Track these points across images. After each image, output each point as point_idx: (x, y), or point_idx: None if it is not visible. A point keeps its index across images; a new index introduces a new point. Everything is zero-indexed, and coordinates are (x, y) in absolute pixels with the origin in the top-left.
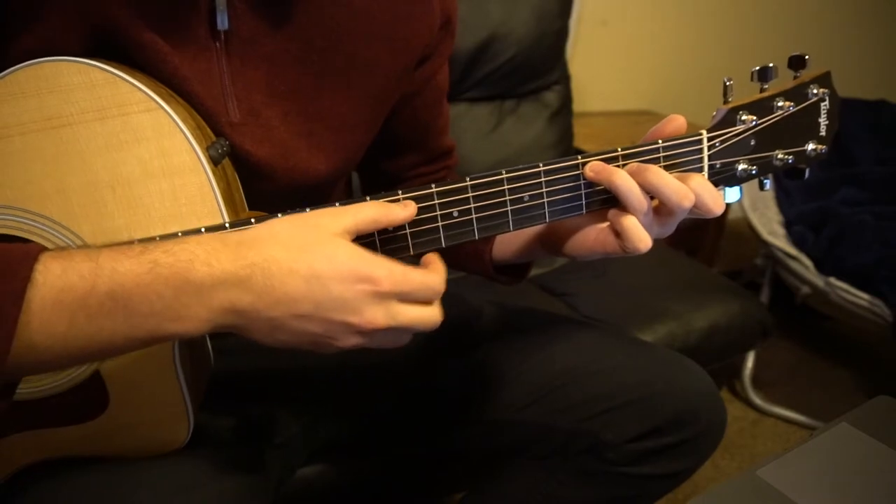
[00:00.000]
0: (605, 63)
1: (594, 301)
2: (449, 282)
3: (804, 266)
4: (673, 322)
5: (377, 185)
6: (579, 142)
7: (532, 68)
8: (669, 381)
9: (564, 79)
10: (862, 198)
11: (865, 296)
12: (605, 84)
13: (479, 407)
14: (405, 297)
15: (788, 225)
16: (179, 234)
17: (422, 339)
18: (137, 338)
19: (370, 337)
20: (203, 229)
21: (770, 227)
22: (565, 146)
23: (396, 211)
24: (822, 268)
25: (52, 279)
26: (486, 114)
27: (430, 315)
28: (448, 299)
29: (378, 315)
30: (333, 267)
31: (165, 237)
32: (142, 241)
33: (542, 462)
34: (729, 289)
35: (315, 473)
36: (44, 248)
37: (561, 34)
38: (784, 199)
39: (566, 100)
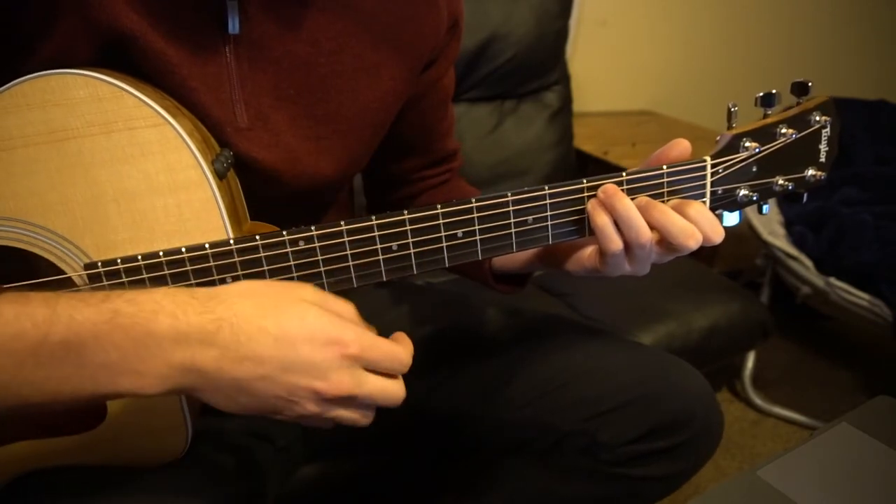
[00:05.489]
0: (605, 63)
1: (594, 301)
2: (449, 282)
3: (804, 266)
4: (673, 322)
5: (380, 188)
6: (579, 142)
7: (532, 68)
8: (665, 384)
9: (564, 79)
10: (862, 198)
11: (865, 296)
12: (604, 84)
13: (477, 406)
14: (372, 364)
15: (788, 225)
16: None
17: (422, 340)
18: (86, 390)
19: (333, 405)
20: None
21: (770, 227)
22: (565, 146)
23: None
24: (822, 268)
25: (2, 325)
26: (486, 114)
27: (395, 388)
28: (449, 299)
29: (344, 379)
30: (303, 328)
31: (132, 289)
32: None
33: (535, 459)
34: (729, 289)
35: (314, 473)
36: (1, 290)
37: (561, 34)
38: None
39: (566, 100)
